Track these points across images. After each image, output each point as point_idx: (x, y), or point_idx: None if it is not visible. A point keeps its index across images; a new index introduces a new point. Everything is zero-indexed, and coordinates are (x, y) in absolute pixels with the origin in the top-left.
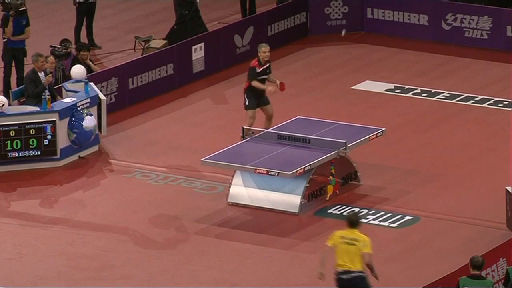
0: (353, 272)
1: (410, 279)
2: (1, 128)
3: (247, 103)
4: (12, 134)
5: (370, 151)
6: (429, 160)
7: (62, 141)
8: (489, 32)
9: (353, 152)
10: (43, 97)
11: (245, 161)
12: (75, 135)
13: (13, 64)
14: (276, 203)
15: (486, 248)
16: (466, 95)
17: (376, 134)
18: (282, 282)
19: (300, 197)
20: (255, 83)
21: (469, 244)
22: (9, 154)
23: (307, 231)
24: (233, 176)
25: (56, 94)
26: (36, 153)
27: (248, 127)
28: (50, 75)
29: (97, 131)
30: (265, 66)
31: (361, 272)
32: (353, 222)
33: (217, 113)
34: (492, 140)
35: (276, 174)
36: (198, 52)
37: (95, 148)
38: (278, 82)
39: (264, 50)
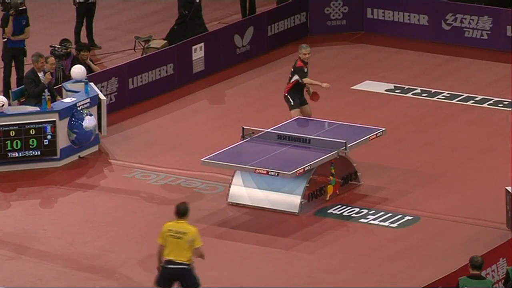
0: (178, 263)
1: (410, 279)
2: (1, 128)
3: (292, 103)
4: (12, 134)
5: (370, 151)
6: (429, 160)
7: (62, 141)
8: (489, 32)
9: (353, 152)
10: (43, 97)
11: (245, 161)
12: (75, 135)
13: (13, 64)
14: (276, 203)
15: (486, 248)
16: (466, 95)
17: (376, 134)
18: (282, 282)
19: (300, 197)
20: (307, 80)
21: (469, 244)
22: (9, 154)
23: (307, 231)
24: (233, 176)
25: (56, 94)
26: (36, 153)
27: (249, 128)
28: (49, 73)
29: (97, 131)
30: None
31: (187, 264)
32: (180, 212)
33: (217, 113)
34: (492, 140)
35: (276, 174)
36: (198, 52)
37: (95, 148)
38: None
39: (304, 52)
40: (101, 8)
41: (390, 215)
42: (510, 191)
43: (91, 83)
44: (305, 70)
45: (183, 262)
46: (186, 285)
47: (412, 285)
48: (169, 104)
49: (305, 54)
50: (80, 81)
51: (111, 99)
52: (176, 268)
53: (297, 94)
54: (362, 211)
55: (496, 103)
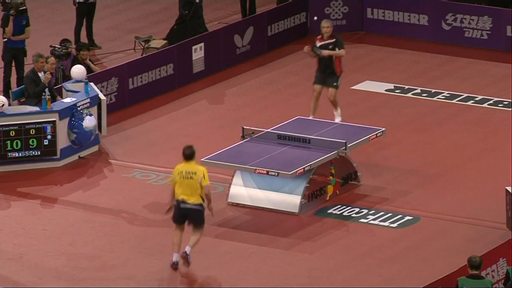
0: (190, 204)
1: (410, 279)
2: (1, 128)
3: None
4: (12, 134)
5: (370, 151)
6: (429, 160)
7: (62, 141)
8: (489, 32)
9: (353, 152)
10: (43, 97)
11: (245, 161)
12: (75, 135)
13: (13, 64)
14: (276, 203)
15: (486, 248)
16: (466, 95)
17: (376, 134)
18: (282, 282)
19: (300, 197)
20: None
21: (469, 244)
22: (9, 154)
23: (307, 231)
24: (233, 176)
25: (56, 94)
26: (36, 153)
27: (249, 128)
28: (49, 72)
29: (97, 131)
30: (327, 41)
31: (198, 205)
32: (187, 155)
33: (217, 113)
34: (492, 140)
35: (276, 174)
36: (198, 52)
37: (95, 148)
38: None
39: (323, 25)
40: (101, 8)
41: (390, 215)
42: (510, 191)
43: (91, 83)
44: (317, 44)
45: (194, 203)
46: (194, 224)
47: (412, 285)
48: (169, 104)
49: (323, 27)
50: (80, 81)
51: (111, 99)
52: (187, 208)
53: (319, 70)
54: (362, 211)
55: (496, 103)
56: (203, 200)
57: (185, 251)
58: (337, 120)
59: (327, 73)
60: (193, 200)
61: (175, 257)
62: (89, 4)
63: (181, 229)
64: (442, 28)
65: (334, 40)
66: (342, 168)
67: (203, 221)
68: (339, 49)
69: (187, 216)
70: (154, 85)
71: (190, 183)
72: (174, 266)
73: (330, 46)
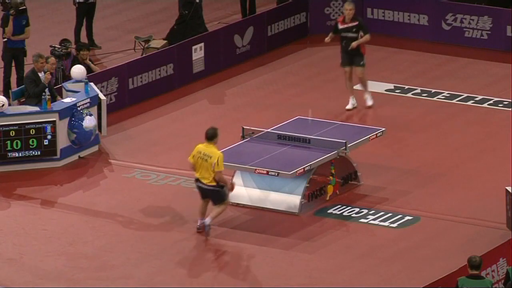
0: (205, 185)
1: (410, 279)
2: (1, 128)
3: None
4: (12, 134)
5: (370, 151)
6: (429, 160)
7: (62, 141)
8: (489, 32)
9: (353, 152)
10: (43, 97)
11: (245, 161)
12: (75, 135)
13: (13, 64)
14: (276, 203)
15: (486, 248)
16: (466, 95)
17: (376, 134)
18: (282, 282)
19: (300, 197)
20: (327, 38)
21: (469, 244)
22: (9, 154)
23: (307, 231)
24: (233, 176)
25: (56, 94)
26: (36, 153)
27: (249, 128)
28: (49, 72)
29: (97, 131)
30: (349, 24)
31: (213, 186)
32: (208, 136)
33: (217, 113)
34: (492, 140)
35: (276, 174)
36: (198, 52)
37: (95, 148)
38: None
39: (346, 7)
40: (101, 8)
41: (390, 215)
42: (510, 191)
43: (91, 83)
44: (339, 26)
45: (208, 184)
46: (213, 202)
47: (412, 285)
48: (169, 104)
49: (345, 9)
50: (80, 81)
51: (111, 99)
52: (203, 188)
53: (343, 51)
54: (362, 211)
55: (496, 103)
56: (216, 182)
57: (204, 221)
58: (369, 103)
59: (352, 54)
60: (207, 181)
61: (199, 222)
62: (89, 4)
63: (206, 201)
64: (442, 28)
65: (357, 23)
66: (342, 168)
67: (222, 199)
68: (364, 34)
69: (207, 196)
70: (154, 85)
71: (204, 165)
72: (198, 230)
73: (354, 29)
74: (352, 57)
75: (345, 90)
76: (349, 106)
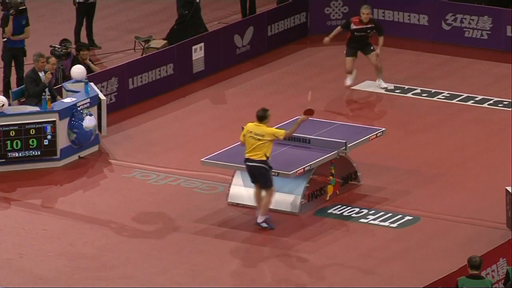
0: (255, 161)
1: (410, 279)
2: (1, 128)
3: (345, 52)
4: (12, 134)
5: (370, 151)
6: (429, 160)
7: (62, 141)
8: (489, 32)
9: (353, 152)
10: (43, 97)
11: None
12: (75, 135)
13: (13, 64)
14: (276, 203)
15: (486, 248)
16: (466, 95)
17: (376, 134)
18: (282, 282)
19: (300, 197)
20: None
21: (469, 244)
22: (9, 154)
23: (307, 231)
24: (233, 176)
25: (56, 94)
26: (36, 153)
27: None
28: (49, 72)
29: (97, 131)
30: (365, 26)
31: (262, 163)
32: (259, 117)
33: (217, 113)
34: (492, 140)
35: (276, 174)
36: (198, 52)
37: (95, 148)
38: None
39: (362, 11)
40: (101, 8)
41: (390, 215)
42: (510, 191)
43: (91, 83)
44: (353, 26)
45: (258, 160)
46: (261, 184)
47: (412, 285)
48: (169, 104)
49: (363, 14)
50: (80, 81)
51: (111, 99)
52: (253, 165)
53: (353, 44)
54: (362, 211)
55: (496, 103)
56: (267, 158)
57: (258, 223)
58: (383, 85)
59: (362, 45)
60: (257, 157)
61: (259, 219)
62: (89, 4)
63: (258, 187)
64: (442, 28)
65: (373, 25)
66: (342, 168)
67: (269, 180)
68: (379, 35)
69: (255, 174)
70: (154, 85)
71: (255, 143)
72: (260, 227)
73: (369, 31)
74: (362, 48)
75: (345, 90)
76: (348, 82)
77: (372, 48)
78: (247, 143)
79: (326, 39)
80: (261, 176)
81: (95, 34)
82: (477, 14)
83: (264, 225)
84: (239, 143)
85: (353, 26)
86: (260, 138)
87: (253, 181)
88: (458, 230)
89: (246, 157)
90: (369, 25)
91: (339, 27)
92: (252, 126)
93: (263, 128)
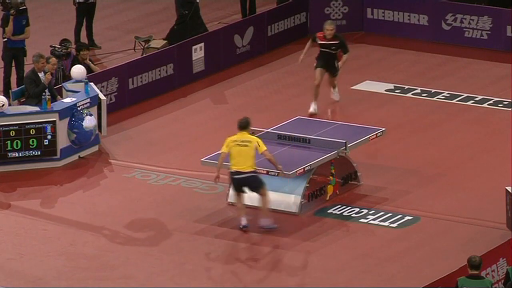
0: (245, 173)
1: (410, 279)
2: (1, 128)
3: (314, 65)
4: (12, 134)
5: (370, 151)
6: (429, 160)
7: (62, 141)
8: (489, 32)
9: (353, 152)
10: (43, 97)
11: None
12: (75, 135)
13: (13, 64)
14: (276, 203)
15: (486, 248)
16: (466, 95)
17: (376, 134)
18: (282, 282)
19: (300, 197)
20: (306, 46)
21: (469, 244)
22: (9, 154)
23: (307, 231)
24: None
25: (56, 94)
26: (36, 153)
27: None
28: (49, 73)
29: (97, 131)
30: (330, 42)
31: (253, 172)
32: (242, 125)
33: (217, 113)
34: (492, 140)
35: (276, 174)
36: (198, 52)
37: (95, 148)
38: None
39: (326, 28)
40: (101, 8)
41: (390, 215)
42: (510, 191)
43: (91, 83)
44: (318, 41)
45: (248, 171)
46: (254, 190)
47: (412, 285)
48: (169, 104)
49: (327, 30)
50: (80, 81)
51: (111, 99)
52: (243, 178)
53: (321, 57)
54: (362, 211)
55: (496, 103)
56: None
57: (262, 226)
58: (336, 98)
59: (329, 64)
60: (246, 168)
61: (243, 221)
62: (89, 4)
63: (240, 195)
64: (442, 28)
65: (338, 42)
66: (342, 168)
67: (261, 183)
68: (344, 53)
69: (245, 185)
70: (154, 85)
71: (245, 151)
72: (244, 229)
73: (333, 47)
74: (328, 66)
75: (345, 90)
76: (311, 110)
77: (335, 73)
78: (234, 152)
79: (301, 57)
80: (254, 184)
81: (95, 34)
82: (477, 14)
83: (268, 226)
84: (221, 158)
85: (318, 41)
86: (247, 144)
87: (239, 191)
88: (458, 230)
89: (234, 170)
90: (333, 42)
91: (309, 40)
92: (235, 136)
93: (247, 135)
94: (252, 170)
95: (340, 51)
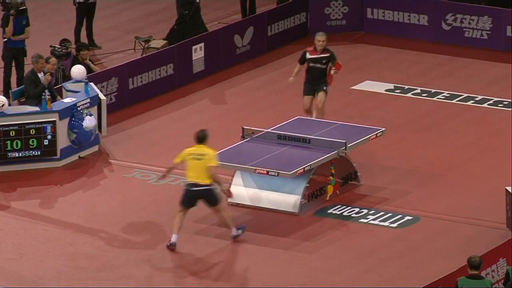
0: (201, 185)
1: (410, 279)
2: (1, 128)
3: (303, 90)
4: (12, 134)
5: (370, 151)
6: (429, 160)
7: (62, 141)
8: (489, 32)
9: (353, 152)
10: (43, 97)
11: (245, 161)
12: (75, 135)
13: (13, 64)
14: (276, 203)
15: (486, 248)
16: (466, 95)
17: (376, 134)
18: (282, 282)
19: (300, 197)
20: (290, 78)
21: (469, 244)
22: (9, 154)
23: (307, 231)
24: (233, 176)
25: (56, 94)
26: (36, 153)
27: (249, 128)
28: (49, 73)
29: (97, 131)
30: (320, 56)
31: (209, 185)
32: (199, 138)
33: (217, 113)
34: (492, 140)
35: (276, 174)
36: (198, 52)
37: (95, 148)
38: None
39: (318, 39)
40: (101, 8)
41: (390, 215)
42: (510, 191)
43: (91, 83)
44: (308, 55)
45: (205, 184)
46: (209, 203)
47: (412, 285)
48: (169, 104)
49: (318, 41)
50: (80, 81)
51: (111, 99)
52: (199, 190)
53: (308, 80)
54: (362, 211)
55: (496, 103)
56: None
57: (232, 235)
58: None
59: (318, 82)
60: (203, 181)
61: (174, 238)
62: (89, 4)
63: (184, 213)
64: (442, 28)
65: (328, 54)
66: (342, 168)
67: (218, 199)
68: (332, 64)
69: (199, 198)
70: (154, 85)
71: (199, 165)
72: (171, 247)
73: (324, 61)
74: (317, 85)
75: (345, 90)
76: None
77: (325, 88)
78: (190, 166)
79: (291, 79)
80: (209, 198)
81: (95, 34)
82: (477, 14)
83: (238, 232)
84: (171, 166)
85: (308, 56)
86: (202, 157)
87: (187, 206)
88: (458, 230)
89: (190, 182)
90: (323, 55)
91: (297, 64)
92: (192, 149)
93: (204, 148)
94: (209, 183)
95: (329, 67)
